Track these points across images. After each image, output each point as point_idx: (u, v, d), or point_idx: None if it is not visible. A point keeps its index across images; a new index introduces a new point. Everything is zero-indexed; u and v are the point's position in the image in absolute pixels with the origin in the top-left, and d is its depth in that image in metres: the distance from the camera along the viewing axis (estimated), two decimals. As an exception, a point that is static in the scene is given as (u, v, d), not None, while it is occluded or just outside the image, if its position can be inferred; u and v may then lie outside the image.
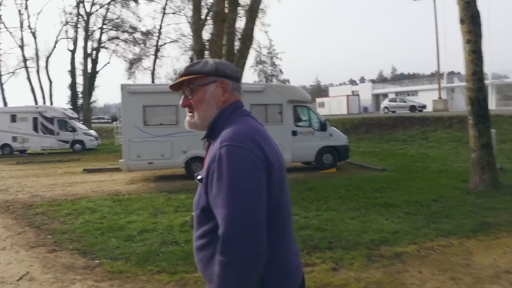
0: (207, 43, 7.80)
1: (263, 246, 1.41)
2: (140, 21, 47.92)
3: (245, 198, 1.40)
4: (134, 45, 38.74)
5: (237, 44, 7.73)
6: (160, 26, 31.43)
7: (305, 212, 8.36)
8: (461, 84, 53.58)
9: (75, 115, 29.12)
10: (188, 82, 1.70)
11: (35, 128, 25.67)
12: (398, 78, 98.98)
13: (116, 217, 8.17)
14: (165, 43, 32.49)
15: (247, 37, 7.42)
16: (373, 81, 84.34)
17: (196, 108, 1.70)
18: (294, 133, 14.12)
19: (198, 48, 7.52)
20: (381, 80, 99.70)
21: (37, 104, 35.88)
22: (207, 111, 1.68)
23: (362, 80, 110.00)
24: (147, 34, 37.56)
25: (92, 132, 27.98)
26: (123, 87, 12.38)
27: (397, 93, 56.81)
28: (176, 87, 1.75)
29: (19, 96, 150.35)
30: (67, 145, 26.11)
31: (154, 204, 9.37)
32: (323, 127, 14.56)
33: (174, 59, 40.83)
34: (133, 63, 32.88)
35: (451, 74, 65.35)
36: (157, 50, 31.52)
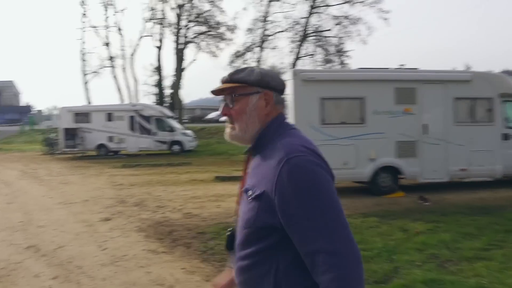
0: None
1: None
2: (224, 14, 44.64)
3: (332, 206, 1.33)
4: (219, 41, 36.54)
5: None
6: (266, 15, 28.54)
7: None
8: None
9: (172, 114, 26.86)
10: (231, 90, 1.58)
11: (132, 128, 23.53)
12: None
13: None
14: (275, 33, 29.49)
15: None
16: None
17: (236, 119, 1.57)
18: (506, 137, 10.48)
19: None
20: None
21: (124, 102, 34.35)
22: (249, 123, 1.55)
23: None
24: (233, 29, 35.20)
25: (190, 132, 25.53)
26: (295, 73, 9.33)
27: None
28: (217, 92, 1.63)
29: (100, 95, 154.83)
30: (164, 146, 23.73)
31: (401, 243, 6.18)
32: (542, 129, 10.82)
33: (283, 51, 35.62)
34: (238, 56, 30.20)
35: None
36: (262, 41, 28.62)
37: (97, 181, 13.68)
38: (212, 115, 52.46)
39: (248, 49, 29.84)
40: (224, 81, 1.59)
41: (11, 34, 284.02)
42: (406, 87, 9.69)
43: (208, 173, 14.66)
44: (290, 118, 9.56)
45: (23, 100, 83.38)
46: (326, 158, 1.43)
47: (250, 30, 29.62)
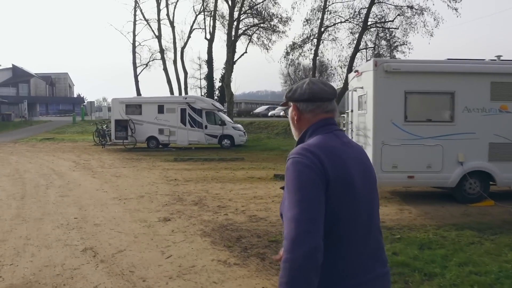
0: None
1: (318, 244, 1.49)
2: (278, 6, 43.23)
3: (304, 200, 1.54)
4: (271, 34, 35.82)
5: None
6: (325, 4, 27.16)
7: None
8: None
9: (222, 107, 26.22)
10: (284, 105, 2.03)
11: (183, 120, 23.03)
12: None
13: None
14: (334, 24, 28.02)
15: None
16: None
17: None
18: None
19: None
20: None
21: (174, 95, 34.20)
22: (292, 130, 1.94)
23: None
24: (286, 21, 34.31)
25: (240, 126, 24.79)
26: (377, 63, 8.27)
27: None
28: (283, 105, 2.10)
29: (149, 88, 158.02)
30: (215, 140, 23.09)
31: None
32: None
33: (343, 43, 33.36)
34: (294, 48, 29.11)
35: None
36: (320, 33, 27.29)
37: (150, 175, 13.15)
38: (260, 109, 51.79)
39: (305, 40, 28.50)
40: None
41: (66, 28, 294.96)
42: (504, 81, 8.42)
43: (265, 170, 13.84)
44: (369, 113, 8.55)
45: (76, 92, 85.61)
46: (343, 158, 1.66)
47: (308, 20, 28.21)
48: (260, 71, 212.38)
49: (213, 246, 5.99)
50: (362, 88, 9.13)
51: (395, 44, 29.25)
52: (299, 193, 1.55)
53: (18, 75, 69.19)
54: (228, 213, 8.04)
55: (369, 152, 8.49)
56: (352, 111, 9.68)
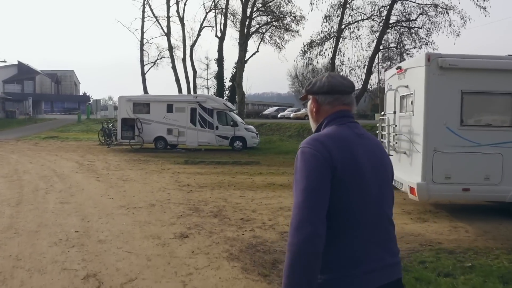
0: None
1: (317, 231, 1.55)
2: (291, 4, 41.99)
3: (307, 189, 1.59)
4: (284, 33, 34.94)
5: None
6: (345, 0, 25.78)
7: None
8: None
9: (234, 108, 25.07)
10: (303, 98, 2.04)
11: (193, 121, 21.89)
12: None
13: None
14: (356, 21, 26.63)
15: None
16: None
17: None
18: None
19: None
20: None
21: (182, 94, 33.17)
22: (311, 122, 1.97)
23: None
24: (299, 20, 33.39)
25: (252, 127, 23.61)
26: (430, 58, 7.10)
27: None
28: (302, 99, 2.09)
29: (156, 86, 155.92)
30: (226, 142, 21.91)
31: None
32: None
33: (360, 43, 31.65)
34: (311, 46, 27.75)
35: None
36: (340, 31, 25.93)
37: (160, 179, 12.04)
38: (269, 110, 50.63)
39: (324, 38, 27.14)
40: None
41: (73, 24, 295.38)
42: None
43: (285, 176, 12.70)
44: (418, 116, 7.40)
45: (81, 90, 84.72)
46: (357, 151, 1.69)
47: (327, 17, 26.78)
48: (266, 73, 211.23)
49: (245, 275, 4.87)
50: (406, 87, 7.99)
51: (406, 47, 27.71)
52: (304, 182, 1.61)
53: (23, 72, 68.40)
54: (254, 228, 6.92)
55: (418, 160, 7.35)
56: (395, 112, 8.50)
